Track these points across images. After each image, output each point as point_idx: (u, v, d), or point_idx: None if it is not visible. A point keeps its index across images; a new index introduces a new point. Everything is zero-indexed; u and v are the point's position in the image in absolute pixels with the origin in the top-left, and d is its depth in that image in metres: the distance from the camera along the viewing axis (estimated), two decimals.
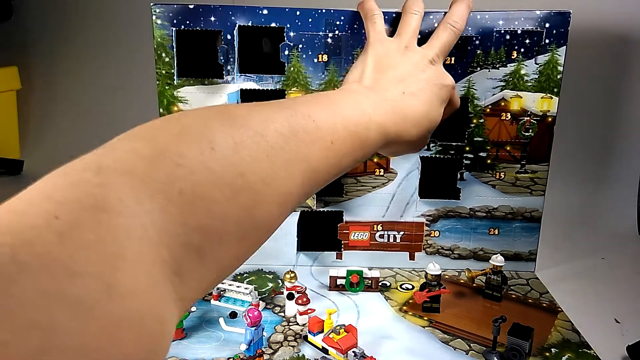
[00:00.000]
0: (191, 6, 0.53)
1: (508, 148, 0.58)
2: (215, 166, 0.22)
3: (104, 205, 0.18)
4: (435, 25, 0.54)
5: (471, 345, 0.47)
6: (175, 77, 0.54)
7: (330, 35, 0.54)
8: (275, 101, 0.30)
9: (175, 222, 0.20)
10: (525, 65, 0.55)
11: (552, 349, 0.46)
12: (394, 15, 0.50)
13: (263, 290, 0.56)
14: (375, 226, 0.60)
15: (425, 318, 0.51)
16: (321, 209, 0.60)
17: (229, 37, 0.54)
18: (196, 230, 0.21)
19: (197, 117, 0.24)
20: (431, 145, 0.58)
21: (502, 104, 0.57)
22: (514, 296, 0.56)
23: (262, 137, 0.25)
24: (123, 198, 0.18)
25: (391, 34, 0.46)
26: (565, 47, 0.55)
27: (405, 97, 0.39)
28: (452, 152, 0.58)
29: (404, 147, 0.40)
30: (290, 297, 0.51)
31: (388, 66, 0.41)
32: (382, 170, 0.59)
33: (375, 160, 0.59)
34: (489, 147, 0.58)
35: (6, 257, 0.14)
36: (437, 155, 0.59)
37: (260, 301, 0.53)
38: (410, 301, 0.54)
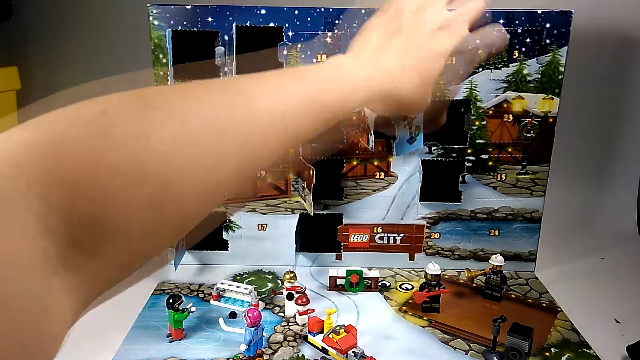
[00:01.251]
0: (188, 7, 0.53)
1: (510, 149, 0.58)
2: (109, 156, 0.19)
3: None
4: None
5: (471, 345, 0.47)
6: (170, 78, 0.54)
7: (329, 34, 0.54)
8: (224, 79, 0.27)
9: (54, 211, 0.18)
10: (528, 65, 0.55)
11: (552, 349, 0.46)
12: None
13: (263, 290, 0.56)
14: (375, 228, 0.60)
15: (425, 318, 0.51)
16: (320, 212, 0.60)
17: (226, 37, 0.54)
18: (81, 222, 0.18)
19: (100, 100, 0.22)
20: (432, 148, 0.58)
21: (505, 105, 0.56)
22: (513, 296, 0.56)
23: (183, 123, 0.22)
24: (3, 185, 0.17)
25: None
26: (566, 47, 0.54)
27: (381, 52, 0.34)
28: (454, 155, 0.58)
29: (400, 103, 0.35)
30: (289, 297, 0.51)
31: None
32: (382, 173, 0.59)
33: (375, 163, 0.59)
34: (490, 149, 0.58)
35: None
36: (439, 159, 0.58)
37: (260, 301, 0.53)
38: (410, 301, 0.54)
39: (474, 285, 0.57)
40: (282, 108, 0.26)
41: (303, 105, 0.27)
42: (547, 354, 0.46)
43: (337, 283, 0.57)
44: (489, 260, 0.55)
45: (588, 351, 0.46)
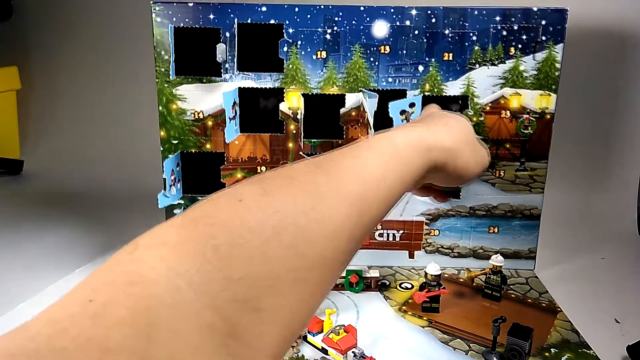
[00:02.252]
0: (190, 4, 0.53)
1: (508, 146, 0.58)
2: (246, 213, 0.21)
3: (136, 279, 0.18)
4: (434, 21, 0.54)
5: (471, 345, 0.47)
6: (172, 75, 0.54)
7: (329, 31, 0.54)
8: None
9: (214, 280, 0.19)
10: (524, 62, 0.55)
11: (552, 349, 0.46)
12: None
13: None
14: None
15: (425, 318, 0.51)
16: None
17: (227, 35, 0.54)
18: (240, 281, 0.19)
19: (227, 189, 0.24)
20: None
21: (502, 101, 0.57)
22: (513, 296, 0.56)
23: (292, 178, 0.24)
24: (156, 267, 0.18)
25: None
26: (562, 44, 0.54)
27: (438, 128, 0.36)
28: None
29: (461, 164, 0.37)
30: None
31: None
32: None
33: None
34: (489, 145, 0.58)
35: (43, 345, 0.15)
36: None
37: None
38: (410, 301, 0.54)
39: (473, 285, 0.57)
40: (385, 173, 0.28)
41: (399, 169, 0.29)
42: (546, 354, 0.46)
43: (337, 283, 0.56)
44: (489, 260, 0.54)
45: (588, 351, 0.46)
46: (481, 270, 0.56)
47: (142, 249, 0.19)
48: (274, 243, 0.21)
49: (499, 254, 0.55)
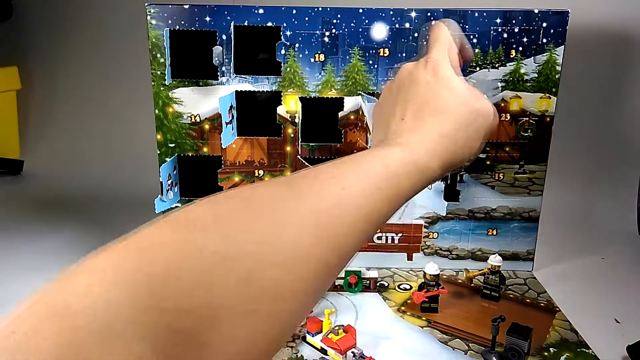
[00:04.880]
0: (186, 6, 0.53)
1: (507, 149, 0.58)
2: (190, 237, 0.20)
3: (60, 310, 0.16)
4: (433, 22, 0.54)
5: (470, 345, 0.47)
6: (167, 78, 0.53)
7: (327, 34, 0.54)
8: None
9: (147, 309, 0.17)
10: (525, 64, 0.55)
11: (551, 349, 0.46)
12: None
13: None
14: None
15: (424, 318, 0.51)
16: None
17: (224, 37, 0.54)
18: (177, 313, 0.17)
19: (177, 211, 0.22)
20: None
21: (502, 104, 0.56)
22: (512, 296, 0.56)
23: (250, 201, 0.22)
24: (82, 297, 0.17)
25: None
26: (563, 46, 0.54)
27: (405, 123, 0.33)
28: None
29: (463, 136, 0.34)
30: None
31: (421, 102, 0.34)
32: None
33: None
34: (488, 148, 0.58)
35: None
36: None
37: None
38: (409, 301, 0.54)
39: (472, 285, 0.57)
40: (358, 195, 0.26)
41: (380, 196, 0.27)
42: (545, 353, 0.46)
43: (336, 283, 0.57)
44: (488, 260, 0.55)
45: (587, 351, 0.46)
46: (479, 271, 0.56)
47: (70, 277, 0.18)
48: (218, 272, 0.19)
49: (497, 254, 0.55)
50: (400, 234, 0.61)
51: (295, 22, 0.53)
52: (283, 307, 0.21)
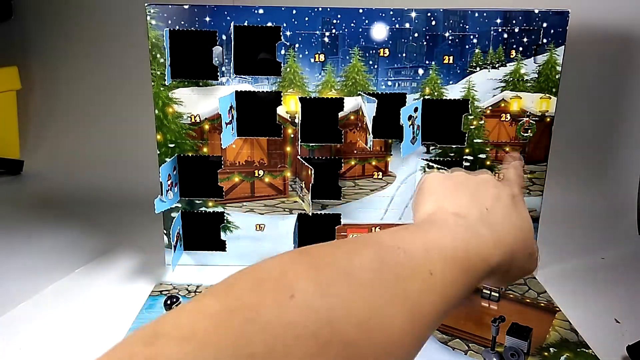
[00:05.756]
0: (186, 6, 0.53)
1: (507, 149, 0.58)
2: (295, 317, 0.18)
3: None
4: (433, 23, 0.54)
5: (470, 345, 0.47)
6: (167, 78, 0.53)
7: (327, 34, 0.54)
8: (355, 237, 0.26)
9: None
10: (525, 65, 0.55)
11: (551, 349, 0.46)
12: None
13: None
14: (373, 228, 0.60)
15: None
16: (318, 212, 0.60)
17: (224, 37, 0.54)
18: None
19: (274, 263, 0.21)
20: (431, 148, 0.58)
21: (502, 105, 0.56)
22: (512, 296, 0.56)
23: (350, 275, 0.21)
24: None
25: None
26: (563, 47, 0.54)
27: (490, 215, 0.33)
28: (452, 154, 0.58)
29: (515, 270, 0.34)
30: None
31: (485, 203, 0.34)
32: (380, 173, 0.59)
33: (373, 163, 0.59)
34: (488, 149, 0.58)
35: None
36: (437, 158, 0.58)
37: None
38: None
39: None
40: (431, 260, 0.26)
41: (452, 260, 0.27)
42: (545, 353, 0.46)
43: None
44: None
45: (587, 351, 0.46)
46: None
47: (163, 341, 0.16)
48: (318, 359, 0.18)
49: None
50: None
51: (295, 22, 0.53)
52: None
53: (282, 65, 0.55)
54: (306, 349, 0.17)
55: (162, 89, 0.55)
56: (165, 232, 0.60)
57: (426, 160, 0.58)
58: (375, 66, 0.55)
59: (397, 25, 0.53)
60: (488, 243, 0.30)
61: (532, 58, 0.55)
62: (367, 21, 0.53)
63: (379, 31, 0.54)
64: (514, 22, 0.54)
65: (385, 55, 0.54)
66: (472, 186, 0.35)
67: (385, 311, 0.21)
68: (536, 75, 0.55)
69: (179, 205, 0.59)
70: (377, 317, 0.20)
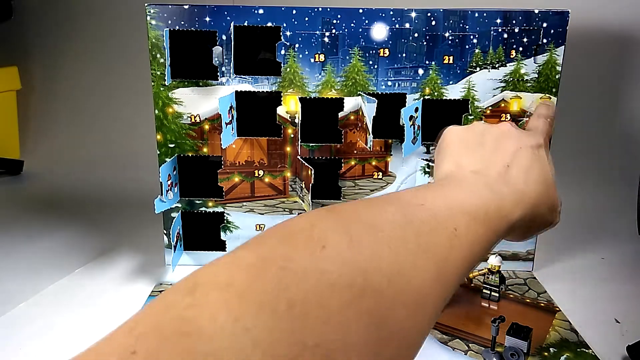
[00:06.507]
0: (186, 6, 0.53)
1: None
2: (329, 266, 0.18)
3: (190, 329, 0.15)
4: (433, 23, 0.54)
5: (470, 345, 0.47)
6: (167, 78, 0.53)
7: (327, 34, 0.54)
8: (377, 197, 0.26)
9: (287, 342, 0.15)
10: (525, 65, 0.55)
11: (551, 349, 0.46)
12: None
13: None
14: None
15: None
16: None
17: (224, 37, 0.54)
18: (315, 348, 0.16)
19: (302, 218, 0.21)
20: (431, 148, 0.58)
21: (502, 105, 0.56)
22: (512, 296, 0.56)
23: (377, 229, 0.21)
24: (218, 317, 0.15)
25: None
26: (563, 47, 0.54)
27: (510, 171, 0.33)
28: None
29: (536, 223, 0.35)
30: None
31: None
32: (380, 173, 0.59)
33: (373, 163, 0.59)
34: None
35: None
36: None
37: None
38: None
39: (472, 285, 0.57)
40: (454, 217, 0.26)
41: (473, 217, 0.27)
42: (545, 353, 0.46)
43: None
44: (487, 261, 0.55)
45: (587, 351, 0.46)
46: (479, 271, 0.56)
47: (203, 290, 0.16)
48: (353, 308, 0.18)
49: (497, 254, 0.55)
50: None
51: (295, 23, 0.53)
52: (405, 353, 0.20)
53: (282, 65, 0.55)
54: (340, 298, 0.17)
55: (162, 89, 0.55)
56: (165, 232, 0.60)
57: (426, 160, 0.58)
58: (375, 66, 0.55)
59: (397, 25, 0.53)
60: (508, 201, 0.30)
61: (532, 58, 0.55)
62: (367, 21, 0.53)
63: (379, 31, 0.54)
64: (514, 22, 0.54)
65: (385, 55, 0.54)
66: (492, 141, 0.35)
67: (413, 265, 0.21)
68: (536, 75, 0.55)
69: (179, 205, 0.59)
70: (406, 271, 0.21)
